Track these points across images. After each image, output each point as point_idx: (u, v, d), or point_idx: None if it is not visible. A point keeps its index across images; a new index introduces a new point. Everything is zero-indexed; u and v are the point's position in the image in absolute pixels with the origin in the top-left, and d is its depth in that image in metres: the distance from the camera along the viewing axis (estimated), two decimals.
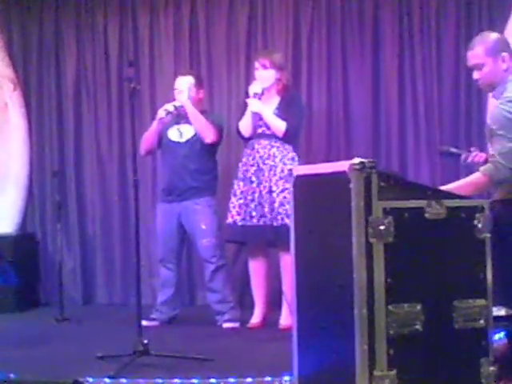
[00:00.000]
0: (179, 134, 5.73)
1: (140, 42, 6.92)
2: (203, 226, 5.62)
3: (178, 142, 5.72)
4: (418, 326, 3.14)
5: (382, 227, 3.11)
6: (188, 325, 5.70)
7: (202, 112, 5.75)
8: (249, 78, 6.53)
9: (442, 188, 3.57)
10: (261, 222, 5.42)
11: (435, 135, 6.38)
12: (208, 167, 5.78)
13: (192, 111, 5.66)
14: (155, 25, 6.89)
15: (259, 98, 5.48)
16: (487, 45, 3.96)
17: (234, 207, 5.51)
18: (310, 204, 3.53)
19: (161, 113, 5.66)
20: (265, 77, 5.54)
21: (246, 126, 5.55)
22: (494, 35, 4.06)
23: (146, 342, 4.34)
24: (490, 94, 4.17)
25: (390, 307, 3.10)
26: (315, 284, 3.46)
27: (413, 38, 6.46)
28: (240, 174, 5.56)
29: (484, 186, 3.86)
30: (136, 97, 5.00)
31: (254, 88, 5.51)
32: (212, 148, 5.79)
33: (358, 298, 3.08)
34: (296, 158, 5.52)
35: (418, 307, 3.14)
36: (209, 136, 5.66)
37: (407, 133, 6.45)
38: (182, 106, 5.67)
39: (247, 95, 5.61)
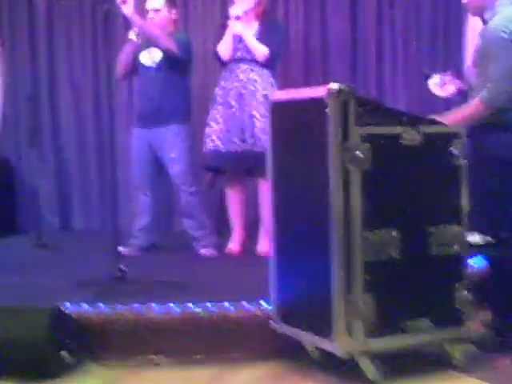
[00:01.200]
0: (150, 57, 5.62)
1: None
2: (172, 154, 5.55)
3: (148, 66, 5.62)
4: (393, 252, 3.17)
5: (358, 153, 3.11)
6: (165, 251, 5.70)
7: (173, 33, 5.61)
8: (225, 4, 6.44)
9: (437, 117, 3.52)
10: (242, 148, 5.32)
11: (413, 62, 6.34)
12: (177, 92, 5.62)
13: (139, 22, 5.41)
14: None
15: (239, 20, 5.35)
16: None
17: (214, 132, 5.41)
18: (287, 129, 3.51)
19: (131, 35, 5.54)
20: (241, 1, 5.38)
21: (225, 48, 5.42)
22: None
23: (123, 268, 4.36)
24: (472, 19, 4.13)
25: (365, 233, 3.12)
26: (292, 210, 3.47)
27: None
28: (219, 99, 5.44)
29: (481, 114, 3.81)
30: (110, 18, 4.92)
31: (235, 10, 5.37)
32: (181, 71, 5.62)
33: (335, 224, 3.10)
34: (274, 84, 5.43)
35: (394, 233, 3.17)
36: (168, 47, 5.44)
37: (385, 59, 6.42)
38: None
39: (225, 18, 5.50)
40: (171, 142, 5.56)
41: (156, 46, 5.51)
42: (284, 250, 3.53)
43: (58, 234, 6.70)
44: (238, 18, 5.34)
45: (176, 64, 5.57)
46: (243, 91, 5.36)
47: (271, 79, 5.42)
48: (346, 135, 3.11)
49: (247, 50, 5.39)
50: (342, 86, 3.12)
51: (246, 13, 5.39)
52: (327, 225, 3.11)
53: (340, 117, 3.11)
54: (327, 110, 3.12)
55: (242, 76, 5.39)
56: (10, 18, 6.92)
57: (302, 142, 3.38)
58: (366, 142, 3.12)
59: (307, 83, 6.26)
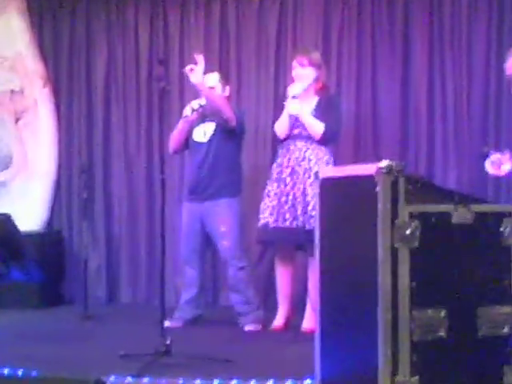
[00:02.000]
0: (203, 133, 5.70)
1: (170, 39, 6.91)
2: (222, 228, 5.57)
3: (201, 142, 5.70)
4: (441, 333, 3.11)
5: (407, 231, 3.08)
6: (211, 325, 5.68)
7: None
8: (278, 77, 6.56)
9: None
10: (294, 225, 5.31)
11: (464, 138, 6.31)
12: (230, 166, 5.68)
13: (206, 91, 5.47)
14: (185, 22, 6.88)
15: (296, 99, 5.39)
16: None
17: (266, 208, 5.43)
18: (336, 206, 3.50)
19: (187, 111, 5.64)
20: (303, 75, 5.44)
21: (282, 127, 5.46)
22: None
23: (168, 342, 4.34)
24: None
25: (414, 312, 3.07)
26: (339, 287, 3.43)
27: (443, 36, 6.38)
28: (274, 175, 5.48)
29: None
30: (165, 96, 5.00)
31: (294, 89, 5.41)
32: (233, 144, 5.69)
33: (382, 303, 3.05)
34: (331, 161, 5.44)
35: (443, 313, 3.11)
36: (228, 116, 5.52)
37: (436, 135, 6.38)
38: (206, 104, 5.62)
39: (280, 95, 5.55)
40: (221, 215, 5.59)
41: (218, 115, 5.55)
42: (330, 327, 3.48)
43: (105, 306, 6.72)
44: (294, 97, 5.39)
45: (228, 137, 5.65)
46: (297, 168, 5.38)
47: (327, 157, 5.43)
48: (395, 213, 3.09)
49: (304, 127, 5.43)
50: (392, 164, 3.10)
51: (304, 90, 5.43)
52: (375, 303, 3.06)
53: (389, 195, 3.09)
54: (377, 188, 3.10)
55: (297, 153, 5.41)
56: (67, 90, 7.07)
57: (351, 219, 3.36)
58: (416, 220, 3.09)
59: (357, 157, 6.26)
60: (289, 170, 5.41)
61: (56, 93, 7.07)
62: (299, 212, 5.31)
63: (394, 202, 3.09)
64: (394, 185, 3.09)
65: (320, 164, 5.33)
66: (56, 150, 7.05)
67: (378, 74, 6.51)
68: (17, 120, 7.06)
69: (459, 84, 6.34)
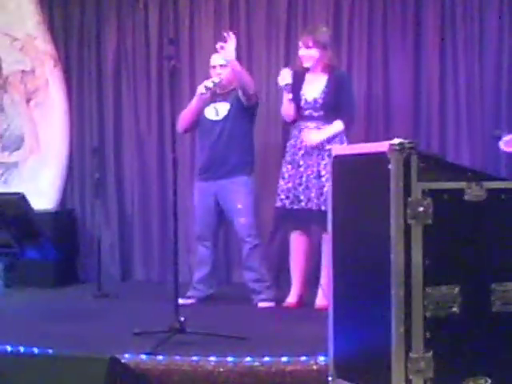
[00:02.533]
0: (215, 111, 5.71)
1: (180, 19, 6.90)
2: (239, 206, 5.61)
3: (215, 120, 5.70)
4: (455, 309, 3.12)
5: (420, 209, 3.08)
6: (224, 303, 5.71)
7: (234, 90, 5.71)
8: (289, 57, 6.52)
9: None
10: (308, 206, 5.38)
11: (476, 117, 6.31)
12: (244, 145, 5.73)
13: (237, 67, 5.54)
14: (195, 2, 6.87)
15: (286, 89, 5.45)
16: None
17: (282, 191, 5.50)
18: (349, 184, 3.51)
19: (200, 89, 5.64)
20: (308, 56, 5.47)
21: (286, 112, 5.56)
22: None
23: (182, 319, 4.37)
24: None
25: (427, 289, 3.08)
26: (352, 265, 3.45)
27: (455, 20, 6.38)
28: (288, 157, 5.54)
29: None
30: (176, 75, 5.01)
31: (282, 80, 5.46)
32: (246, 122, 5.73)
33: (396, 280, 3.06)
34: (344, 140, 5.47)
35: (456, 290, 3.12)
36: (253, 93, 5.63)
37: (448, 114, 6.38)
38: (220, 82, 5.64)
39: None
40: (238, 193, 5.64)
41: (244, 91, 5.58)
42: (343, 305, 3.50)
43: (119, 284, 6.75)
44: (287, 85, 5.43)
45: (243, 116, 5.69)
46: (310, 150, 5.42)
47: (340, 135, 5.46)
48: (407, 190, 3.09)
49: (314, 108, 5.46)
50: (404, 142, 3.10)
51: (311, 67, 5.49)
52: (388, 280, 3.08)
53: (402, 172, 3.09)
54: (389, 166, 3.11)
55: None
56: (78, 70, 7.07)
57: (364, 196, 3.37)
58: (429, 197, 3.10)
59: (369, 138, 6.25)
60: (302, 152, 5.46)
61: (67, 73, 7.08)
62: (313, 194, 5.37)
63: (407, 179, 3.09)
64: (407, 162, 3.09)
65: (333, 144, 5.30)
66: (67, 130, 7.06)
67: (389, 53, 6.51)
68: (28, 100, 7.07)
69: (471, 63, 6.33)
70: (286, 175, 5.50)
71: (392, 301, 3.07)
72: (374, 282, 3.23)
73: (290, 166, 5.50)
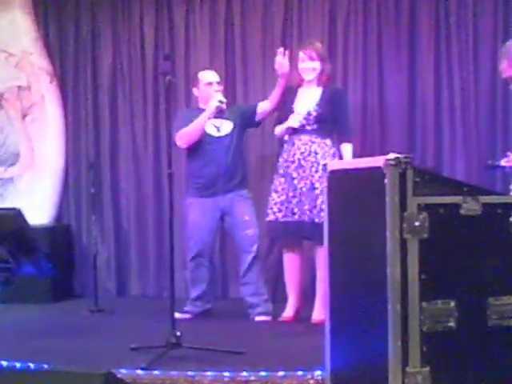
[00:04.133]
0: (216, 129, 5.73)
1: (176, 35, 6.92)
2: (247, 217, 5.67)
3: (218, 137, 5.72)
4: (451, 323, 3.12)
5: (416, 223, 3.09)
6: (220, 318, 5.71)
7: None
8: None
9: None
10: (302, 219, 5.38)
11: (471, 129, 6.33)
12: (243, 160, 5.88)
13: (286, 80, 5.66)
14: (191, 17, 6.89)
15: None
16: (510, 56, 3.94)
17: (275, 204, 5.50)
18: (344, 199, 3.52)
19: (214, 104, 5.62)
20: (310, 69, 5.51)
21: (279, 134, 5.64)
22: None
23: (178, 334, 4.36)
24: None
25: (423, 304, 3.08)
26: (348, 279, 3.45)
27: (450, 29, 6.39)
28: (280, 170, 5.54)
29: None
30: (171, 90, 5.01)
31: (293, 121, 5.50)
32: (243, 139, 5.91)
33: (392, 294, 3.07)
34: (337, 154, 5.50)
35: (452, 304, 3.12)
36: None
37: (443, 126, 6.40)
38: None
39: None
40: (245, 206, 5.72)
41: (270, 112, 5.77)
42: (339, 319, 3.50)
43: (115, 299, 6.75)
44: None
45: (243, 130, 5.85)
46: (304, 163, 5.44)
47: (333, 149, 5.50)
48: (403, 205, 3.10)
49: (308, 121, 5.47)
50: (400, 157, 3.12)
51: (310, 81, 5.55)
52: (384, 294, 3.08)
53: (398, 187, 3.10)
54: (385, 181, 3.12)
55: (302, 148, 5.47)
56: (74, 86, 7.09)
57: (359, 211, 3.38)
58: (424, 211, 3.11)
59: (364, 148, 6.25)
60: (295, 165, 5.47)
61: (63, 89, 7.09)
62: (307, 207, 5.37)
63: (402, 194, 3.10)
64: (402, 177, 3.10)
65: (326, 157, 5.38)
66: (63, 145, 7.07)
67: (384, 65, 6.53)
68: (24, 116, 7.08)
69: (466, 74, 6.35)
70: (279, 188, 5.51)
71: (389, 315, 3.07)
72: (371, 296, 3.23)
73: (282, 180, 5.51)
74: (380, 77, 6.52)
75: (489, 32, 6.31)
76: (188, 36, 6.91)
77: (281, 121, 5.60)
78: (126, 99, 7.02)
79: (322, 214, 4.82)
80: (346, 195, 3.51)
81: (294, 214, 5.41)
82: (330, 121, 5.50)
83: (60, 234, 6.93)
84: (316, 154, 5.43)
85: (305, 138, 5.48)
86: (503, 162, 4.49)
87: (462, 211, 3.18)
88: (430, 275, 3.08)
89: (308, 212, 5.35)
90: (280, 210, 5.47)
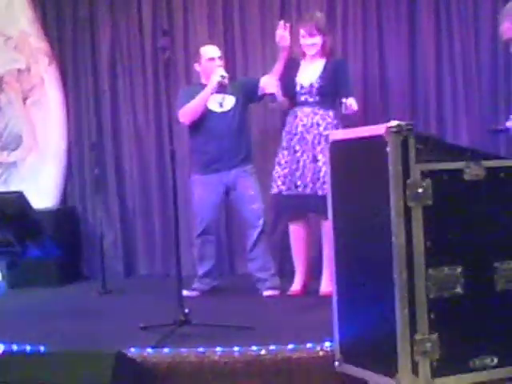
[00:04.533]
0: (218, 104, 5.69)
1: (174, 11, 6.88)
2: (251, 192, 5.65)
3: (221, 112, 5.68)
4: (458, 289, 3.12)
5: (420, 190, 3.08)
6: (228, 294, 5.72)
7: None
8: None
9: None
10: (306, 191, 5.36)
11: (473, 96, 6.30)
12: (247, 135, 5.85)
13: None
14: None
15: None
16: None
17: (279, 177, 5.49)
18: (347, 168, 3.50)
19: (216, 78, 5.57)
20: (312, 44, 5.47)
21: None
22: None
23: (187, 311, 4.36)
24: None
25: (429, 270, 3.08)
26: (354, 250, 3.44)
27: (450, 5, 6.36)
28: (284, 143, 5.52)
29: None
30: (171, 66, 4.98)
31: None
32: (247, 114, 5.86)
33: (398, 262, 3.06)
34: (340, 125, 5.44)
35: (459, 270, 3.12)
36: None
37: (445, 95, 6.37)
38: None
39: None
40: (250, 181, 5.70)
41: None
42: (347, 290, 3.49)
43: (122, 280, 6.75)
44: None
45: (246, 106, 5.80)
46: (306, 135, 5.41)
47: (336, 121, 5.45)
48: (406, 172, 3.09)
49: (310, 93, 5.44)
50: (402, 124, 3.10)
51: (312, 55, 5.50)
52: (390, 263, 3.07)
53: (400, 154, 3.09)
54: (387, 148, 3.10)
55: (305, 120, 5.44)
56: (73, 67, 7.05)
57: (363, 180, 3.36)
58: (427, 178, 3.09)
59: (367, 121, 6.20)
60: (297, 137, 5.44)
61: (62, 70, 7.06)
62: (309, 179, 5.34)
63: (405, 161, 3.09)
64: (404, 144, 3.09)
65: (329, 129, 5.32)
66: (65, 127, 7.05)
67: (384, 36, 6.51)
68: (24, 99, 7.06)
69: (467, 43, 6.31)
70: (283, 161, 5.48)
71: (395, 283, 3.06)
72: (377, 266, 3.23)
73: (286, 152, 5.48)
74: (380, 48, 6.49)
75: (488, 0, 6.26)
76: (186, 11, 6.86)
77: (284, 94, 5.55)
78: (126, 78, 6.98)
79: (325, 186, 4.82)
80: (349, 165, 3.49)
81: (297, 187, 5.39)
82: (333, 93, 5.45)
83: (65, 217, 6.91)
84: (318, 125, 5.39)
85: (307, 109, 5.45)
86: (509, 123, 4.47)
87: (466, 176, 3.17)
88: (435, 242, 3.08)
89: (311, 184, 5.33)
90: (284, 183, 5.44)
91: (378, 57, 6.48)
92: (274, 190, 5.51)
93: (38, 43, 6.96)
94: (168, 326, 4.32)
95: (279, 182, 5.48)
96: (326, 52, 5.53)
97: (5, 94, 7.04)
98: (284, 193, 5.45)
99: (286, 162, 5.47)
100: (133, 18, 6.95)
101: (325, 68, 5.48)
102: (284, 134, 5.55)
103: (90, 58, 7.02)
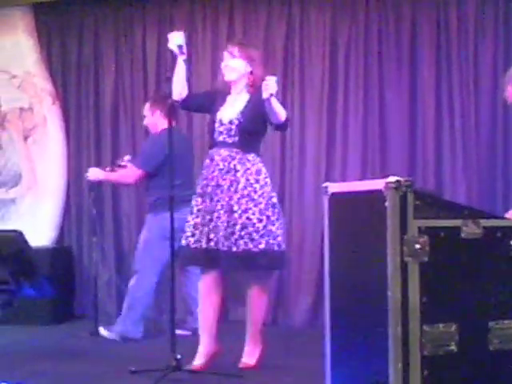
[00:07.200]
0: None
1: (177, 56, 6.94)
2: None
3: None
4: (452, 347, 3.11)
5: (417, 246, 3.09)
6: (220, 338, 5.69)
7: None
8: (285, 90, 6.59)
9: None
10: (219, 247, 4.55)
11: (472, 153, 6.33)
12: None
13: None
14: (193, 38, 6.91)
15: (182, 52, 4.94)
16: None
17: (188, 227, 4.68)
18: (345, 222, 3.52)
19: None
20: (230, 67, 4.74)
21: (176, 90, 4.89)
22: None
23: (179, 357, 4.34)
24: None
25: (424, 327, 3.07)
26: (349, 302, 3.45)
27: (450, 55, 6.39)
28: (199, 189, 4.71)
29: None
30: (173, 112, 5.01)
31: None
32: None
33: (393, 317, 3.06)
34: (263, 170, 4.68)
35: (453, 327, 3.11)
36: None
37: (444, 150, 6.39)
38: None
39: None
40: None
41: None
42: (340, 341, 3.49)
43: (115, 321, 6.69)
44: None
45: None
46: (222, 182, 4.63)
47: (258, 165, 4.67)
48: (404, 228, 3.10)
49: (229, 131, 4.67)
50: (401, 179, 3.12)
51: (233, 82, 4.78)
52: (385, 317, 3.08)
53: (398, 209, 3.10)
54: (386, 203, 3.12)
55: (221, 165, 4.64)
56: (76, 107, 7.11)
57: (360, 233, 3.38)
58: (425, 234, 3.11)
59: (365, 174, 6.25)
60: (213, 184, 4.65)
61: (65, 110, 7.12)
62: (221, 233, 4.54)
63: (403, 216, 3.10)
64: (403, 200, 3.11)
65: (249, 175, 4.61)
66: (65, 167, 7.08)
67: (385, 89, 6.53)
68: (25, 138, 7.10)
69: (467, 98, 6.35)
70: (195, 209, 4.68)
71: (389, 338, 3.06)
72: (372, 320, 3.23)
73: (200, 200, 4.67)
74: (381, 101, 6.50)
75: (489, 53, 6.31)
76: (190, 57, 6.90)
77: (207, 131, 4.87)
78: (128, 121, 7.04)
79: (242, 241, 4.50)
80: (347, 218, 3.50)
81: (210, 239, 4.59)
82: (254, 132, 4.70)
83: (61, 256, 6.92)
84: (236, 171, 4.60)
85: (224, 152, 4.64)
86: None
87: (463, 234, 3.18)
88: (430, 298, 3.08)
89: (223, 239, 4.53)
90: (193, 235, 4.64)
91: (378, 109, 6.50)
92: (182, 242, 4.69)
93: (42, 83, 7.04)
94: (159, 370, 4.29)
95: (188, 233, 4.66)
96: (252, 86, 4.72)
97: (6, 132, 7.09)
98: (192, 245, 4.64)
99: (198, 211, 4.66)
100: (137, 62, 7.03)
101: (248, 103, 4.71)
102: (200, 178, 4.76)
103: (93, 100, 7.09)
